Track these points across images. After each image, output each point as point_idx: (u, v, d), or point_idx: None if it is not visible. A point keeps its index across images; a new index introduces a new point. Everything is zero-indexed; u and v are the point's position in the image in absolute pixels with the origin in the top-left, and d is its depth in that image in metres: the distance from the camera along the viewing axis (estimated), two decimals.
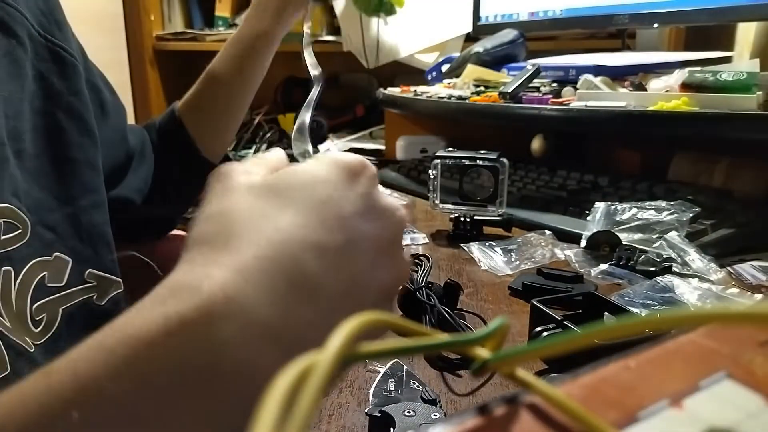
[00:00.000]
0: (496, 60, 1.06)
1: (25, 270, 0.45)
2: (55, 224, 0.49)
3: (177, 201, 0.74)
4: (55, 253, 0.48)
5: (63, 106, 0.52)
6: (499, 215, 0.71)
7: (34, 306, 0.45)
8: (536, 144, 0.99)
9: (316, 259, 0.23)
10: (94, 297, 0.51)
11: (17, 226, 0.45)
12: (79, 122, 0.54)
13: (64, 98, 0.53)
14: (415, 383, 0.38)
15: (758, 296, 0.53)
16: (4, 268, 0.43)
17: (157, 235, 0.77)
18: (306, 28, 0.68)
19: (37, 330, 0.45)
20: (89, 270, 0.52)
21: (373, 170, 0.28)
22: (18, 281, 0.44)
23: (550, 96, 0.85)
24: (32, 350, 0.43)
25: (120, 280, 0.54)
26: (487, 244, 0.66)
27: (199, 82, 0.73)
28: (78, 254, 0.50)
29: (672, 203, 0.63)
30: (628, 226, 0.62)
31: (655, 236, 0.61)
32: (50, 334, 0.45)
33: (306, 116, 0.54)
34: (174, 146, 0.72)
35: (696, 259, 0.57)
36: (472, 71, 1.03)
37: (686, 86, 0.73)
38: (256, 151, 1.46)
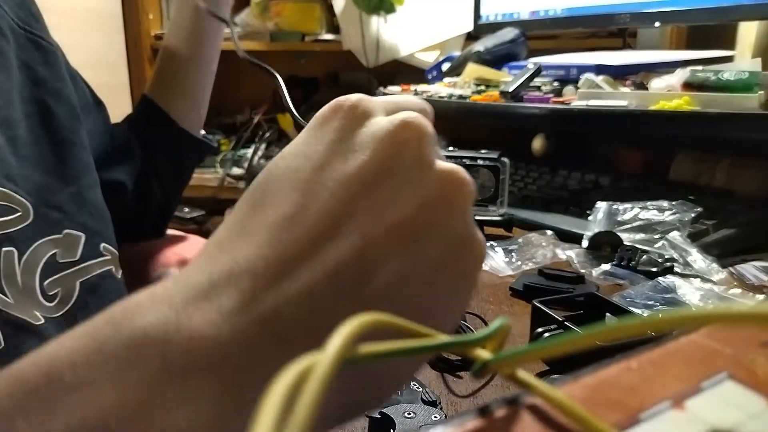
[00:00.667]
0: (497, 59, 1.06)
1: (30, 249, 0.46)
2: (61, 203, 0.50)
3: (167, 181, 0.76)
4: (65, 231, 0.50)
5: (51, 92, 0.54)
6: (500, 215, 0.71)
7: (46, 282, 0.47)
8: (537, 143, 0.99)
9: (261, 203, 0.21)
10: (113, 269, 0.53)
11: (16, 209, 0.46)
12: (68, 106, 0.55)
13: (50, 84, 0.55)
14: (415, 384, 0.38)
15: (760, 296, 0.53)
16: (5, 249, 0.44)
17: (155, 229, 0.78)
18: None
19: (52, 304, 0.47)
20: (103, 244, 0.53)
21: (354, 103, 0.22)
22: (23, 260, 0.45)
23: (551, 95, 0.85)
24: (40, 323, 0.44)
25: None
26: (487, 244, 0.66)
27: (156, 60, 0.77)
28: (90, 229, 0.52)
29: (674, 203, 0.63)
30: (629, 226, 0.62)
31: (656, 236, 0.60)
32: (68, 306, 0.48)
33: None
34: (152, 123, 0.75)
35: (698, 260, 0.57)
36: (472, 70, 1.03)
37: (688, 85, 0.72)
38: (255, 151, 1.46)
